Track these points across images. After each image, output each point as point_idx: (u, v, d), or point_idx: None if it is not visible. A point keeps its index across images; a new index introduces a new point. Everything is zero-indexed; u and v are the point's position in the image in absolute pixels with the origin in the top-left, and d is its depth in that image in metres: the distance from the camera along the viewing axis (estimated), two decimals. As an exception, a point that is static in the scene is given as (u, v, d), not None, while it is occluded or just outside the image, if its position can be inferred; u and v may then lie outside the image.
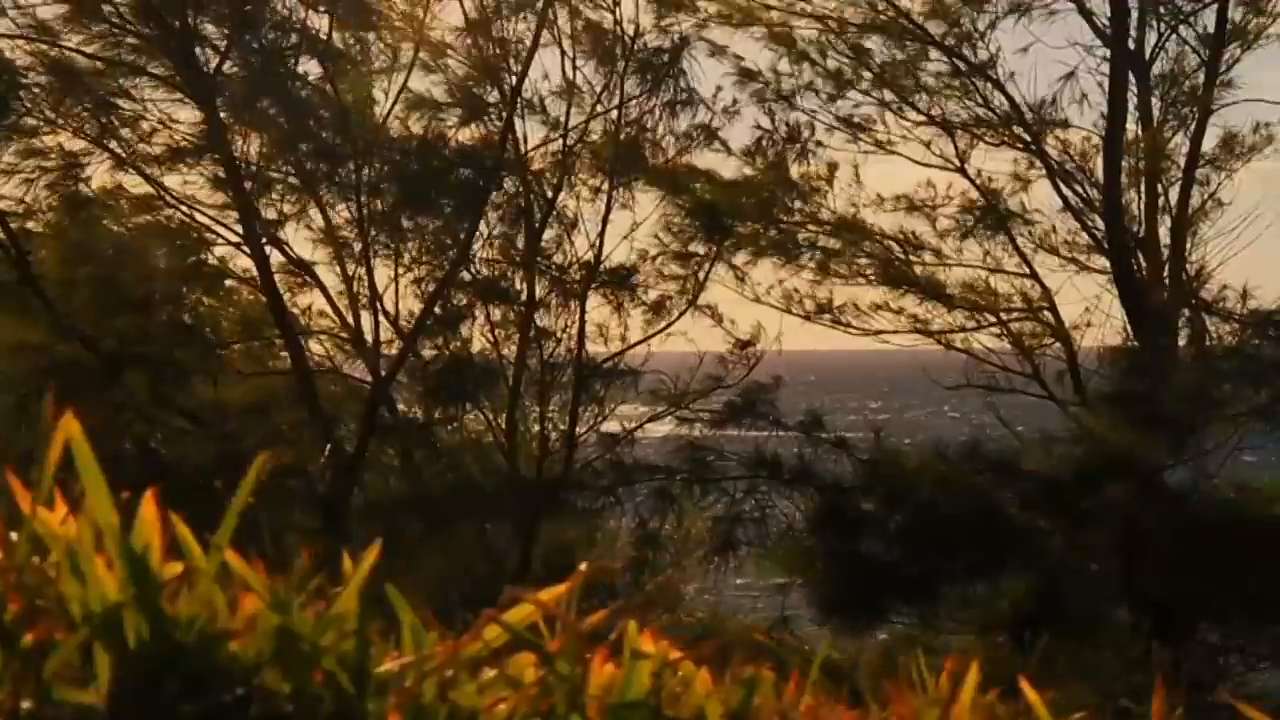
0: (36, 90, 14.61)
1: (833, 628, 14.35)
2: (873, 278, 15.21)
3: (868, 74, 14.96)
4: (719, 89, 15.35)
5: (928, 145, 15.13)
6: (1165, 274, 14.65)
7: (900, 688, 1.72)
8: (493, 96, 15.23)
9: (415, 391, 15.74)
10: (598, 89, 15.23)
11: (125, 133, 14.94)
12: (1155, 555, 12.49)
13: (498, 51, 15.12)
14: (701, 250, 15.20)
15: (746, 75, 14.94)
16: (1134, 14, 14.91)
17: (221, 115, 14.65)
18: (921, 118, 14.90)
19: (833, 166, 15.08)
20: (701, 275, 15.23)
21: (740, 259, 15.27)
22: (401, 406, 15.79)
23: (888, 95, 14.99)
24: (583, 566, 1.34)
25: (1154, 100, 15.13)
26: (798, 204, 15.07)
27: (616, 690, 1.27)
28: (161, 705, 1.16)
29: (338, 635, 1.21)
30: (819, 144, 15.10)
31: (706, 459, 14.91)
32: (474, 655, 1.26)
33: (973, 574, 13.57)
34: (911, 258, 15.21)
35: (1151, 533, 12.49)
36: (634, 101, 15.18)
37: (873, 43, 14.85)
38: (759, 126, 15.37)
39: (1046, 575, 13.11)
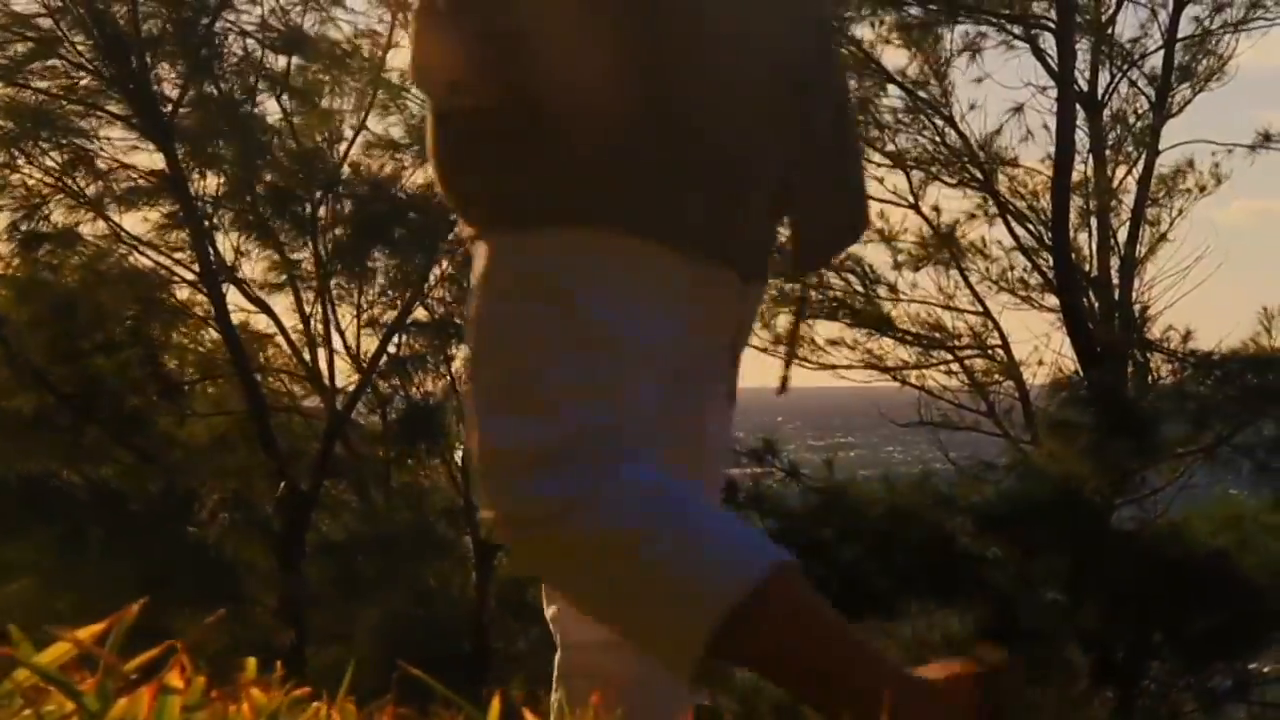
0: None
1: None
2: (833, 310, 15.27)
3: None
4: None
5: (880, 181, 15.22)
6: (1116, 313, 14.73)
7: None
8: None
9: (370, 432, 15.78)
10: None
11: (83, 171, 15.05)
12: (1100, 591, 12.51)
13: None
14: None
15: None
16: (1088, 56, 15.08)
17: (179, 155, 14.72)
18: (875, 154, 14.99)
19: None
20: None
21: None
22: (358, 444, 15.82)
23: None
24: (134, 607, 1.40)
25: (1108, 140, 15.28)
26: None
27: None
28: None
29: None
30: None
31: None
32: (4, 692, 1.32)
33: (925, 598, 13.45)
34: (869, 293, 15.29)
35: (1096, 569, 12.51)
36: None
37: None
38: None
39: (997, 605, 13.08)
